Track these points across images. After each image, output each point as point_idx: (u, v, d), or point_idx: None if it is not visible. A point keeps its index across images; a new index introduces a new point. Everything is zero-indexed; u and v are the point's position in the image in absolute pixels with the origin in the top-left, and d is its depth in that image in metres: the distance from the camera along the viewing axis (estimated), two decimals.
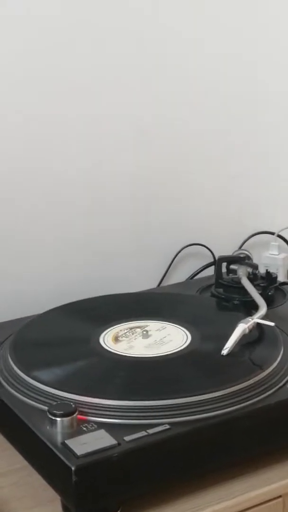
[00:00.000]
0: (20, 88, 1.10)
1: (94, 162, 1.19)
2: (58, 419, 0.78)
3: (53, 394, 0.84)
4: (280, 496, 0.84)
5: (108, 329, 0.98)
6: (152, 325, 0.99)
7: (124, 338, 0.96)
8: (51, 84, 1.12)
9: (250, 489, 0.82)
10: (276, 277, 1.16)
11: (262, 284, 1.12)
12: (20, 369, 0.89)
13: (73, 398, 0.82)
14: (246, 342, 0.94)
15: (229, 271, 1.16)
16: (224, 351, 0.91)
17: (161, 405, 0.81)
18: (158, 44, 1.20)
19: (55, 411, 0.78)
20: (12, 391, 0.86)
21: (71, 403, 0.80)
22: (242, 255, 1.17)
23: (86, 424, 0.79)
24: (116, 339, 0.96)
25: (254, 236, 1.33)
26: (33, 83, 1.11)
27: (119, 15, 1.15)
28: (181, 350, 0.93)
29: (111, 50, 1.16)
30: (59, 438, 0.77)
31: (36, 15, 1.08)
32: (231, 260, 1.17)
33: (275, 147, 1.35)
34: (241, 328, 0.93)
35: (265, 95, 1.32)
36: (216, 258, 1.20)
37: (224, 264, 1.16)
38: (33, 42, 1.09)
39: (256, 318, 0.96)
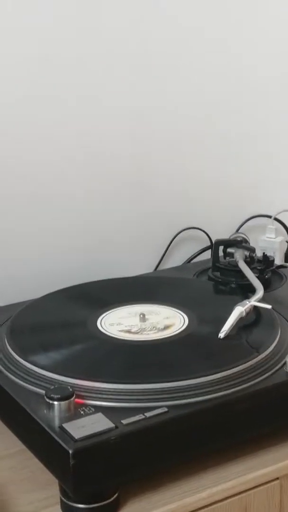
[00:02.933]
0: (19, 73, 1.09)
1: (92, 148, 1.18)
2: (56, 402, 0.78)
3: (51, 378, 0.84)
4: (277, 478, 0.84)
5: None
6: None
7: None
8: (49, 73, 1.12)
9: (248, 471, 0.83)
10: (273, 260, 1.16)
11: (259, 267, 1.12)
12: (17, 354, 0.89)
13: (70, 381, 0.82)
14: (243, 325, 0.94)
15: (226, 254, 1.16)
16: (221, 334, 0.91)
17: (158, 388, 0.81)
18: (158, 31, 1.19)
19: (52, 395, 0.78)
20: (10, 375, 0.86)
21: (69, 387, 0.80)
22: (239, 239, 1.17)
23: (83, 408, 0.79)
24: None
25: (251, 220, 1.33)
26: (29, 72, 1.10)
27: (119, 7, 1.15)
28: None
29: (106, 35, 1.15)
30: (56, 422, 0.77)
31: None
32: (228, 243, 1.17)
33: (272, 132, 1.35)
34: (238, 311, 0.93)
35: (265, 82, 1.32)
36: (213, 241, 1.19)
37: (221, 248, 1.16)
38: (31, 31, 1.09)
39: (253, 301, 0.96)
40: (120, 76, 1.18)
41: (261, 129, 1.34)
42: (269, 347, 0.89)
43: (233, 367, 0.85)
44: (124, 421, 0.76)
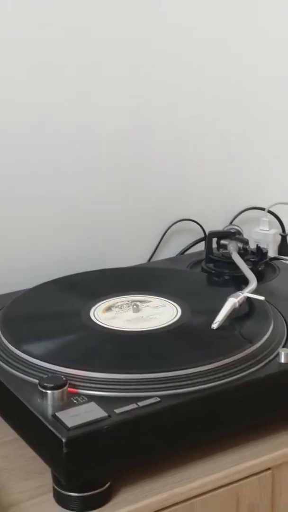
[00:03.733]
0: (15, 73, 1.09)
1: (87, 141, 1.18)
2: (49, 391, 0.78)
3: (44, 367, 0.84)
4: (269, 469, 0.84)
5: (99, 303, 0.98)
6: (143, 299, 0.99)
7: (114, 312, 0.96)
8: (45, 69, 1.12)
9: (240, 461, 0.83)
10: (266, 253, 1.16)
11: (252, 259, 1.12)
12: (10, 343, 0.89)
13: (63, 371, 0.82)
14: (236, 316, 0.94)
15: (219, 246, 1.16)
16: (214, 325, 0.91)
17: (151, 378, 0.81)
18: (157, 34, 1.20)
19: (45, 384, 0.79)
20: (3, 364, 0.87)
21: (62, 376, 0.80)
22: (232, 230, 1.17)
23: (76, 397, 0.79)
24: (107, 313, 0.96)
25: (245, 212, 1.33)
26: (26, 69, 1.10)
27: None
28: (171, 324, 0.93)
29: (106, 36, 1.15)
30: (49, 411, 0.77)
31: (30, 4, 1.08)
32: (221, 235, 1.17)
33: (266, 125, 1.35)
34: (231, 302, 0.94)
35: (263, 81, 1.32)
36: (207, 233, 1.20)
37: (214, 240, 1.16)
38: (29, 32, 1.09)
39: (246, 293, 0.96)
40: (118, 72, 1.18)
41: (256, 122, 1.34)
42: (262, 338, 0.90)
43: (226, 358, 0.85)
44: (117, 410, 0.77)
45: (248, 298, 0.96)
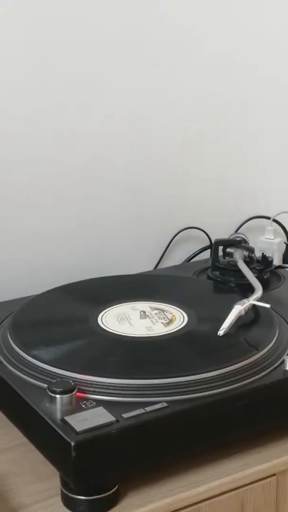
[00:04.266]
0: (20, 75, 1.11)
1: (93, 149, 1.19)
2: (58, 396, 0.79)
3: (53, 372, 0.85)
4: (274, 474, 0.85)
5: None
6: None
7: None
8: (47, 75, 1.13)
9: (245, 467, 0.84)
10: (271, 261, 1.17)
11: (258, 268, 1.13)
12: (20, 348, 0.90)
13: (72, 376, 0.84)
14: (242, 323, 0.95)
15: (225, 254, 1.17)
16: (221, 332, 0.92)
17: (159, 384, 0.82)
18: (157, 34, 1.21)
19: (54, 388, 0.80)
20: (12, 369, 0.88)
21: (70, 381, 0.81)
22: (238, 239, 1.18)
23: (85, 401, 0.80)
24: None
25: (250, 221, 1.34)
26: (29, 76, 1.11)
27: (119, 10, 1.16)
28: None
29: (109, 46, 1.17)
30: (58, 415, 0.78)
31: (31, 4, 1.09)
32: (227, 243, 1.18)
33: (272, 134, 1.36)
34: (237, 309, 0.95)
35: (265, 84, 1.33)
36: (213, 241, 1.21)
37: (220, 248, 1.18)
38: (30, 32, 1.10)
39: (252, 300, 0.97)
40: (119, 80, 1.19)
41: (261, 130, 1.35)
42: (267, 345, 0.91)
43: (232, 365, 0.86)
44: (125, 415, 0.78)
45: (254, 306, 0.98)
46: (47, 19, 1.11)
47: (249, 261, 1.14)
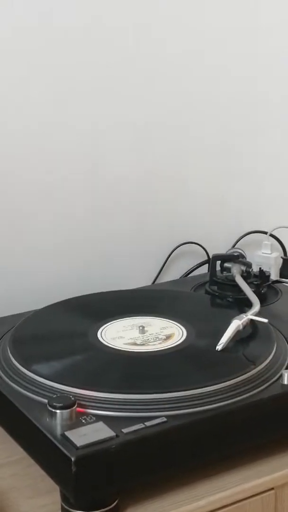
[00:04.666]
0: (21, 89, 1.12)
1: (93, 164, 1.21)
2: (58, 411, 0.80)
3: (53, 387, 0.85)
4: (272, 488, 0.86)
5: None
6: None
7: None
8: (52, 86, 1.14)
9: (244, 481, 0.85)
10: (269, 275, 1.18)
11: (255, 282, 1.14)
12: (19, 363, 0.91)
13: (72, 391, 0.84)
14: (240, 338, 0.96)
15: (223, 269, 1.18)
16: (219, 347, 0.93)
17: (158, 399, 0.83)
18: (157, 49, 1.22)
19: (55, 404, 0.80)
20: (12, 384, 0.88)
21: (71, 396, 0.82)
22: (236, 254, 1.19)
23: (85, 417, 0.81)
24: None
25: (248, 235, 1.35)
26: (34, 85, 1.13)
27: (121, 19, 1.17)
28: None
29: (112, 55, 1.18)
30: (58, 430, 0.79)
31: (37, 18, 1.11)
32: (225, 258, 1.19)
33: (269, 149, 1.37)
34: (235, 324, 0.95)
35: (263, 98, 1.35)
36: (210, 256, 1.22)
37: (218, 262, 1.18)
38: (34, 45, 1.11)
39: (250, 315, 0.98)
40: (121, 92, 1.21)
41: (260, 146, 1.36)
42: (265, 360, 0.92)
43: (230, 379, 0.87)
44: (125, 430, 0.78)
45: (252, 321, 0.98)
46: (51, 28, 1.12)
47: (246, 275, 1.15)
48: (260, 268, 1.18)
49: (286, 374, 0.88)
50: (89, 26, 1.15)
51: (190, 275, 1.31)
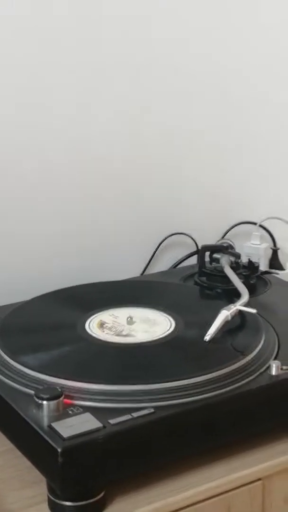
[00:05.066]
0: (15, 79, 1.11)
1: (85, 155, 1.20)
2: (45, 402, 0.79)
3: (40, 378, 0.85)
4: (259, 479, 0.86)
5: (93, 316, 1.00)
6: (137, 312, 1.01)
7: (109, 325, 0.97)
8: (46, 79, 1.13)
9: (231, 471, 0.85)
10: (258, 267, 1.18)
11: (244, 273, 1.14)
12: (7, 354, 0.90)
13: (59, 382, 0.84)
14: (228, 328, 0.96)
15: (212, 260, 1.18)
16: (207, 337, 0.93)
17: (145, 389, 0.83)
18: (151, 41, 1.21)
19: (41, 395, 0.80)
20: None
21: (58, 387, 0.81)
22: (225, 244, 1.19)
23: (72, 408, 0.80)
24: (101, 325, 0.97)
25: (237, 226, 1.34)
26: (25, 78, 1.12)
27: (118, 16, 1.17)
28: (165, 337, 0.94)
29: (105, 47, 1.17)
30: (45, 421, 0.78)
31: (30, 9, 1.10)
32: (214, 249, 1.19)
33: (259, 140, 1.37)
34: (224, 314, 0.95)
35: (256, 94, 1.34)
36: (199, 247, 1.21)
37: (207, 253, 1.18)
38: (27, 38, 1.11)
39: (238, 305, 0.98)
40: (116, 82, 1.20)
41: (250, 137, 1.36)
42: (253, 350, 0.91)
43: (218, 370, 0.87)
44: (112, 421, 0.78)
45: (240, 311, 0.98)
46: (45, 20, 1.11)
47: (235, 266, 1.15)
48: (249, 259, 1.18)
49: (274, 365, 0.88)
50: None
51: (179, 266, 1.31)
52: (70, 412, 0.80)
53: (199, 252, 1.19)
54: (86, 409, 0.80)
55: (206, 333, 0.93)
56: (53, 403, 0.80)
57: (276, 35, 1.33)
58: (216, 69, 1.29)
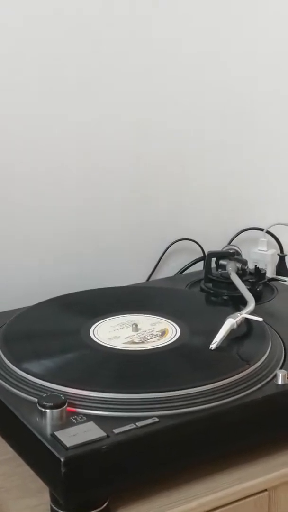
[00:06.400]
0: (19, 84, 1.11)
1: (89, 158, 1.19)
2: (48, 410, 0.79)
3: (43, 386, 0.84)
4: (265, 490, 0.85)
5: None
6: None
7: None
8: (49, 81, 1.13)
9: (237, 482, 0.83)
10: (264, 273, 1.17)
11: (251, 280, 1.13)
12: (10, 361, 0.90)
13: (62, 390, 0.83)
14: (234, 336, 0.95)
15: (218, 266, 1.17)
16: (213, 346, 0.92)
17: (150, 398, 0.82)
18: (156, 44, 1.21)
19: (45, 403, 0.79)
20: (2, 382, 0.87)
21: (61, 395, 0.81)
22: (231, 251, 1.18)
23: (75, 416, 0.79)
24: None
25: (244, 232, 1.34)
26: (31, 81, 1.12)
27: (119, 16, 1.16)
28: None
29: (108, 49, 1.17)
30: (48, 430, 0.77)
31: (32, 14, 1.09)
32: (220, 255, 1.18)
33: (266, 147, 1.36)
34: (230, 323, 0.94)
35: (262, 96, 1.33)
36: (206, 253, 1.20)
37: (213, 260, 1.17)
38: (31, 41, 1.10)
39: (244, 313, 0.97)
40: (121, 87, 1.19)
41: (256, 143, 1.35)
42: (260, 359, 0.90)
43: (223, 379, 0.86)
44: (116, 430, 0.77)
45: (247, 319, 0.97)
46: (47, 23, 1.11)
47: (242, 273, 1.14)
48: (256, 265, 1.17)
49: (280, 374, 0.87)
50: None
51: (185, 272, 1.30)
52: (74, 420, 0.79)
53: (206, 258, 1.18)
54: (90, 417, 0.79)
55: (211, 341, 0.92)
56: (56, 411, 0.79)
57: (279, 35, 1.32)
58: (220, 69, 1.28)
